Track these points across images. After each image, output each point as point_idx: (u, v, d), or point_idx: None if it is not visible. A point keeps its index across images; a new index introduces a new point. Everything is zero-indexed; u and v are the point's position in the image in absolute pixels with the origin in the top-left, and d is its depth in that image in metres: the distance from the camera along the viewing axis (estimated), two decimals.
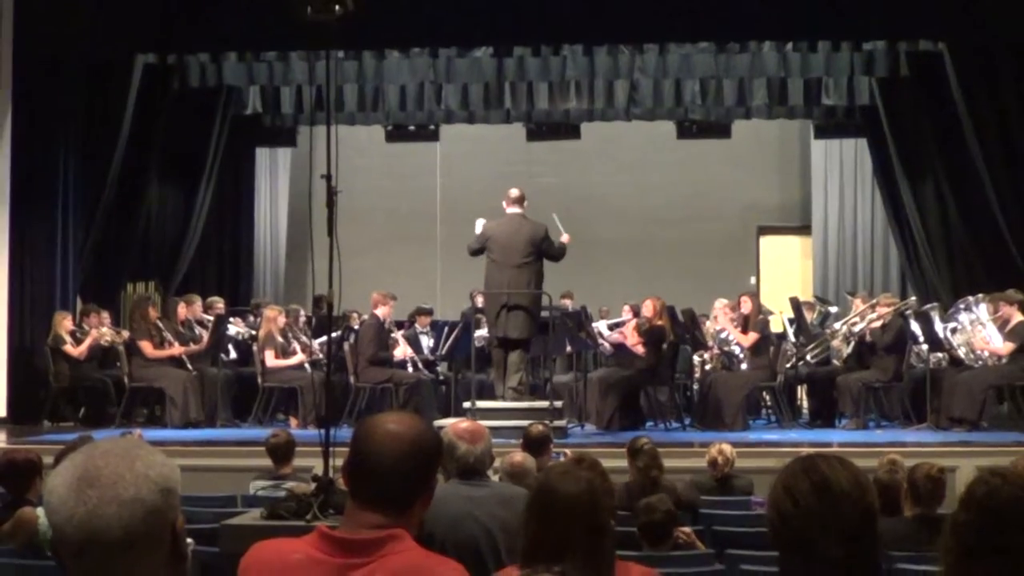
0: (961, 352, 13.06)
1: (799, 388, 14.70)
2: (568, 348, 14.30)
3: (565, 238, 12.39)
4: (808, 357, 14.07)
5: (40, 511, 5.98)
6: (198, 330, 14.29)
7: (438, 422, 11.13)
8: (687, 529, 6.51)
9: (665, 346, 13.26)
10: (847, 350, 13.82)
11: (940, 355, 13.33)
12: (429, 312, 15.47)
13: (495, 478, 6.06)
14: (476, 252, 12.29)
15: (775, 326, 14.44)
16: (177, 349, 13.63)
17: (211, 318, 14.40)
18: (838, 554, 2.65)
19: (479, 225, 12.37)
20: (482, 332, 13.88)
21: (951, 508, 2.81)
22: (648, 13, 13.68)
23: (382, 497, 2.78)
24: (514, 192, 12.37)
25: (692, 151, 18.51)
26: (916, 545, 5.56)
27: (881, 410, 13.78)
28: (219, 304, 15.01)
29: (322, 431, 6.79)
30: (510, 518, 4.99)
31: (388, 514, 2.76)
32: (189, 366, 13.61)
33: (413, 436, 2.83)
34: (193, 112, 16.28)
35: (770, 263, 19.54)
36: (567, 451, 8.89)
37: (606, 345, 14.28)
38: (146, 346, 13.46)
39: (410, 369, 14.09)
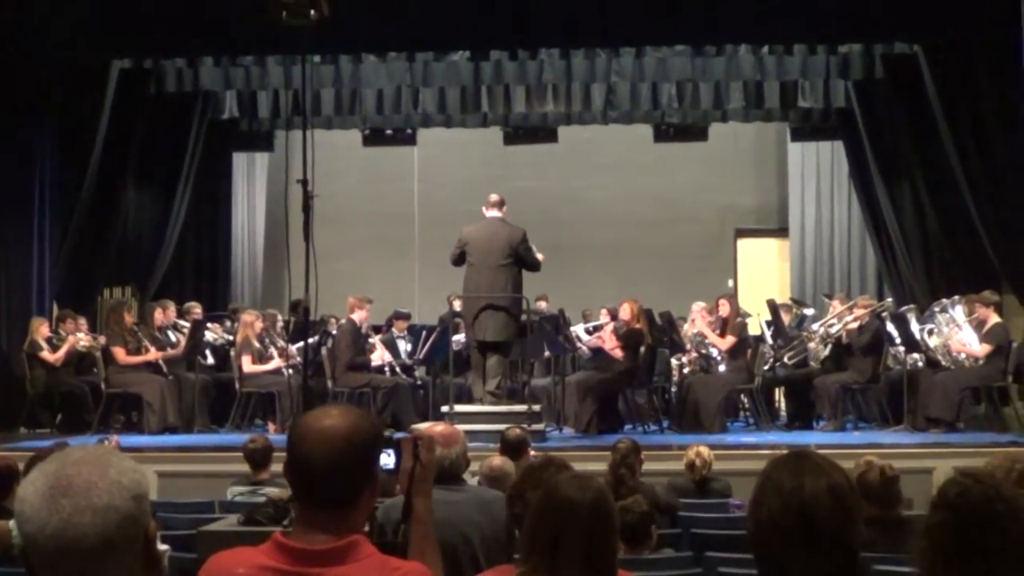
0: (937, 353, 13.10)
1: (777, 390, 14.75)
2: (546, 352, 14.30)
3: (539, 256, 12.46)
4: (785, 359, 14.10)
5: (12, 523, 5.93)
6: (173, 335, 14.25)
7: (415, 426, 11.10)
8: None
9: (643, 349, 13.27)
10: (824, 352, 13.86)
11: (917, 356, 13.37)
12: (406, 316, 15.46)
13: (473, 481, 6.05)
14: (458, 261, 12.37)
15: (752, 328, 14.46)
16: (154, 354, 13.58)
17: (186, 323, 14.36)
18: (816, 570, 2.65)
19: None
20: (460, 336, 13.88)
21: (925, 509, 2.82)
22: (624, 16, 13.67)
23: (326, 497, 2.73)
24: (493, 197, 12.48)
25: (669, 154, 18.52)
26: (872, 547, 5.54)
27: (858, 411, 13.81)
28: (196, 309, 14.94)
29: None
30: (488, 523, 4.99)
31: (336, 512, 2.72)
32: (165, 371, 13.57)
33: (347, 429, 2.77)
34: (170, 117, 16.22)
35: (747, 266, 19.56)
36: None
37: (584, 349, 14.30)
38: (119, 352, 13.40)
39: (388, 373, 14.09)
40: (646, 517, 6.18)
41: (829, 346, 13.76)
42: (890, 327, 13.30)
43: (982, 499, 2.66)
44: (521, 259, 12.19)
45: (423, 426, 5.52)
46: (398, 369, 14.38)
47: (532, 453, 8.47)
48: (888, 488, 6.16)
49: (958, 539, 2.64)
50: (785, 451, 2.90)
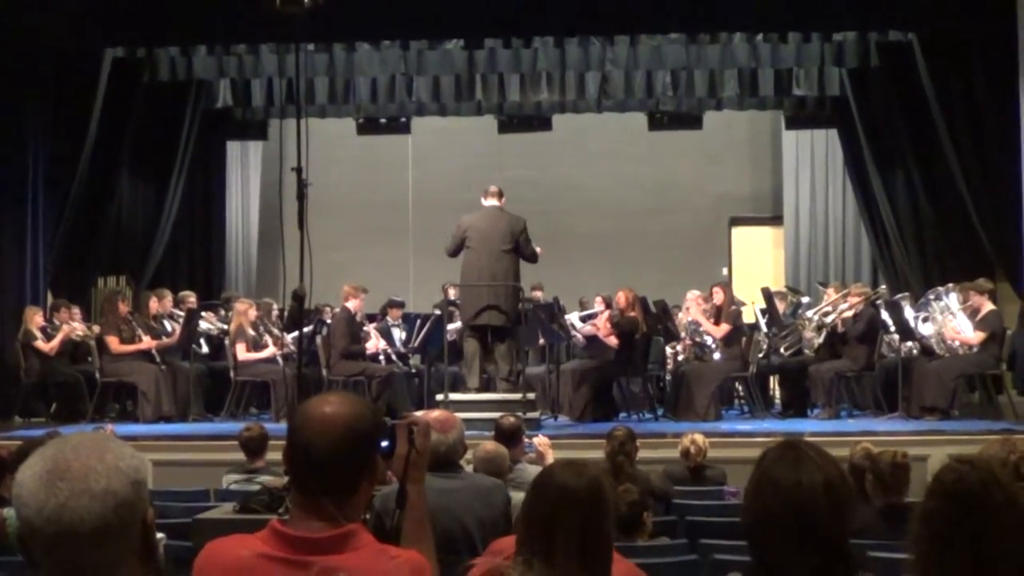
0: (932, 341, 13.12)
1: (771, 378, 14.75)
2: (541, 340, 14.30)
3: (538, 249, 12.56)
4: (780, 347, 14.10)
5: (9, 510, 5.93)
6: (169, 324, 14.24)
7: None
8: None
9: (637, 337, 13.28)
10: (819, 340, 13.85)
11: (911, 344, 13.38)
12: (401, 305, 15.44)
13: (468, 468, 6.06)
14: (455, 251, 12.47)
15: (747, 317, 14.46)
16: (149, 343, 13.57)
17: (182, 312, 14.35)
18: (808, 566, 2.65)
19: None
20: (454, 325, 13.89)
21: (920, 497, 2.81)
22: (619, 4, 13.68)
23: (326, 485, 2.71)
24: (493, 187, 12.69)
25: (663, 142, 18.52)
26: (882, 534, 5.56)
27: (853, 399, 13.82)
28: (191, 298, 14.94)
29: None
30: (485, 510, 4.99)
31: (335, 500, 2.70)
32: (158, 360, 13.55)
33: (348, 417, 2.75)
34: (163, 105, 16.20)
35: (742, 254, 19.56)
36: (540, 436, 8.92)
37: (579, 337, 14.30)
38: (112, 341, 13.38)
39: (383, 362, 14.08)
40: (637, 506, 6.18)
41: (823, 334, 13.75)
42: (884, 315, 13.31)
43: (979, 486, 2.65)
44: (521, 248, 12.34)
45: (418, 415, 5.52)
46: (393, 357, 14.38)
47: (528, 440, 8.50)
48: (896, 474, 6.21)
49: (954, 526, 2.64)
50: (779, 439, 2.90)
